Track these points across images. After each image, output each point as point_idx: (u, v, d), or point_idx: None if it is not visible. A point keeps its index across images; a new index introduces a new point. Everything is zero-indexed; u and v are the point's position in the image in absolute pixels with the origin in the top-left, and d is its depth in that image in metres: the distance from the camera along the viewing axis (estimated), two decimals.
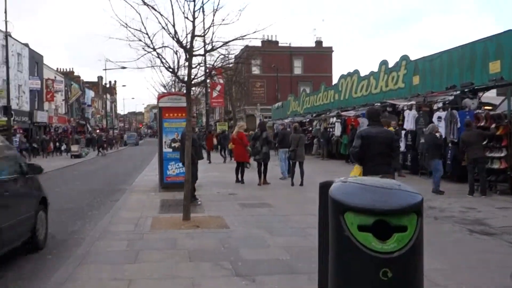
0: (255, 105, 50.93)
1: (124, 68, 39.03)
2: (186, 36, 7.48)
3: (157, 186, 12.50)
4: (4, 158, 6.10)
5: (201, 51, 7.83)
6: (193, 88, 37.38)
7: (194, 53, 7.65)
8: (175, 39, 7.41)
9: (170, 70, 7.68)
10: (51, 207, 7.49)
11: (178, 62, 7.76)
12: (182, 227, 7.51)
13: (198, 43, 7.55)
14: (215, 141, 26.41)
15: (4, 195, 5.47)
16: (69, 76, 55.58)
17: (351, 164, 20.79)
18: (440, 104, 16.31)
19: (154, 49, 7.18)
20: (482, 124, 12.25)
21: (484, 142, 12.06)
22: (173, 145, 12.18)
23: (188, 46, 7.52)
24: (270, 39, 56.71)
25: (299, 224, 8.00)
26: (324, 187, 3.21)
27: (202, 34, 7.59)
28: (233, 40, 7.74)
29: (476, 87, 13.83)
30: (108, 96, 75.51)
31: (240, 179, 14.17)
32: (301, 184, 13.29)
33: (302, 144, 13.85)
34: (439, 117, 14.78)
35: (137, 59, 7.58)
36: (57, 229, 7.87)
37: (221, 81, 28.84)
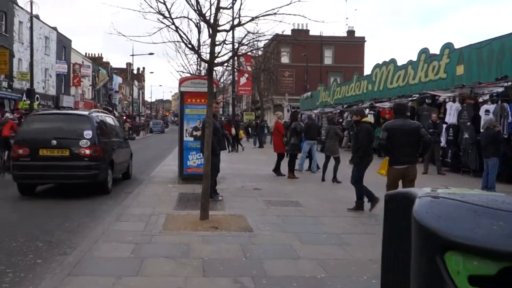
0: (283, 95, 49.73)
1: (151, 54, 38.53)
2: (210, 8, 6.47)
3: (177, 178, 11.60)
4: (119, 130, 12.87)
5: (227, 27, 6.79)
6: (221, 76, 36.60)
7: (218, 28, 6.63)
8: (197, 11, 6.40)
9: (190, 46, 6.68)
10: None
11: (199, 39, 6.70)
12: (198, 228, 6.54)
13: (224, 18, 6.51)
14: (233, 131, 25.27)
15: (122, 147, 11.92)
16: (97, 61, 55.49)
17: (382, 158, 19.42)
18: (487, 97, 14.90)
19: (171, 18, 6.18)
20: None
21: None
22: (194, 133, 11.25)
23: (212, 20, 6.51)
24: (300, 28, 55.39)
25: (332, 229, 6.95)
26: (394, 201, 2.16)
27: (229, 6, 6.55)
28: (263, 15, 6.68)
29: None
30: (136, 82, 75.50)
31: (279, 171, 13.45)
32: (334, 180, 12.21)
33: (332, 137, 12.74)
34: (487, 111, 13.40)
35: (152, 34, 6.61)
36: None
37: (249, 68, 27.78)
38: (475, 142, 13.74)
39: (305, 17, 6.67)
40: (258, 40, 6.93)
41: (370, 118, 22.44)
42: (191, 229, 6.52)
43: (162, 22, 6.37)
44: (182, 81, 11.42)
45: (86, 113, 11.19)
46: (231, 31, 6.91)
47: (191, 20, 6.63)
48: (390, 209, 2.18)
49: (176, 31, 6.51)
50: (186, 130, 11.36)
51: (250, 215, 7.74)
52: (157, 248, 5.56)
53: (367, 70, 27.45)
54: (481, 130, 13.49)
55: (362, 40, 55.67)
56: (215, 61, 6.73)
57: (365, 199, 8.37)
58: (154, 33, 6.68)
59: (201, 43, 7.87)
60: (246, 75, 26.92)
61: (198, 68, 17.68)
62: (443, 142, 15.15)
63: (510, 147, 12.27)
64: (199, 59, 9.75)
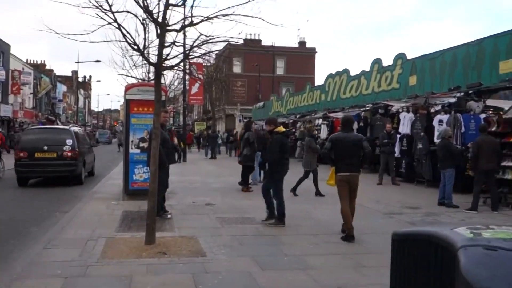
0: (235, 105, 49.19)
1: (98, 61, 36.93)
2: (158, 4, 5.74)
3: (121, 193, 10.64)
4: (87, 139, 17.68)
5: (177, 27, 6.08)
6: (171, 83, 35.60)
7: (167, 28, 5.91)
8: (142, 7, 5.66)
9: (135, 47, 5.90)
10: None
11: (145, 39, 5.94)
12: (143, 255, 5.73)
13: (174, 17, 5.80)
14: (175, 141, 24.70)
15: (90, 152, 16.07)
16: (40, 68, 52.70)
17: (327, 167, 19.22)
18: (439, 107, 14.94)
19: (111, 11, 5.38)
20: (493, 129, 10.83)
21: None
22: (141, 145, 10.37)
23: (160, 19, 5.78)
24: (252, 37, 55.20)
25: (293, 250, 6.33)
26: (406, 242, 1.55)
27: (180, 3, 5.86)
28: (217, 15, 6.02)
29: (484, 88, 12.42)
30: (82, 91, 72.63)
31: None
32: (317, 193, 11.65)
33: (309, 150, 11.96)
34: (441, 121, 13.36)
35: (90, 32, 5.77)
36: None
37: (201, 77, 27.00)
38: (428, 152, 13.66)
39: (262, 19, 6.04)
40: (213, 42, 6.19)
41: (323, 129, 22.36)
42: (134, 256, 5.69)
43: (102, 18, 5.56)
44: (128, 88, 10.53)
45: (67, 127, 16.22)
46: (182, 32, 6.18)
47: (135, 16, 5.84)
48: (408, 253, 1.56)
49: (119, 28, 5.72)
50: (132, 141, 10.47)
51: (202, 236, 7.00)
52: (92, 283, 4.71)
53: (318, 81, 27.51)
54: (436, 140, 13.47)
55: (313, 51, 56.23)
56: (164, 65, 5.99)
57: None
58: (93, 31, 5.83)
59: (147, 44, 7.18)
60: (198, 83, 26.08)
61: (147, 74, 16.84)
62: (397, 153, 15.02)
63: (463, 157, 12.21)
64: (147, 63, 8.81)
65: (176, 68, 6.30)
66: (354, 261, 5.85)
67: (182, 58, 6.27)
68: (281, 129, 8.40)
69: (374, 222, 8.60)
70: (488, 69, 12.65)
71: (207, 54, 9.43)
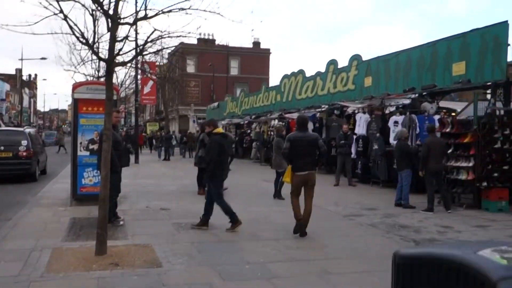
0: (189, 106, 48.44)
1: (43, 58, 35.22)
2: None
3: (69, 199, 9.98)
4: (40, 140, 18.95)
5: (130, 20, 5.65)
6: (122, 82, 34.46)
7: (120, 21, 5.47)
8: None
9: (84, 41, 5.41)
10: None
11: (94, 31, 5.45)
12: (93, 267, 5.25)
13: (127, 9, 5.36)
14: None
15: (42, 151, 17.00)
16: None
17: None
18: (393, 108, 15.15)
19: (56, 0, 4.88)
20: (447, 130, 11.01)
21: (450, 151, 10.86)
22: (91, 147, 9.77)
23: (112, 11, 5.34)
24: (206, 37, 54.58)
25: (255, 257, 6.05)
26: (415, 267, 1.29)
27: None
28: (172, 8, 5.64)
29: (438, 90, 12.65)
30: (27, 90, 69.35)
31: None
32: (276, 196, 11.35)
33: (276, 151, 11.55)
34: (396, 122, 13.51)
35: (33, 23, 5.23)
36: None
37: (154, 76, 26.26)
38: (384, 153, 13.80)
39: (221, 15, 5.71)
40: (169, 37, 5.80)
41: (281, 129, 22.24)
42: (84, 268, 5.21)
43: (46, 8, 5.04)
44: (76, 86, 9.88)
45: (21, 129, 17.20)
46: (136, 26, 5.74)
47: (84, 7, 5.35)
48: (420, 282, 1.29)
49: (65, 20, 5.22)
50: (81, 143, 9.84)
51: (158, 243, 6.59)
52: None
53: (273, 82, 27.42)
54: (391, 141, 13.60)
55: (267, 52, 56.31)
56: (116, 61, 5.54)
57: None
58: (36, 22, 5.30)
59: (97, 38, 6.65)
60: (151, 82, 25.37)
61: (96, 71, 16.03)
62: (353, 154, 15.07)
63: (417, 158, 12.38)
64: (97, 59, 8.10)
65: (129, 65, 5.86)
66: (319, 268, 5.64)
67: (135, 54, 5.82)
68: (220, 130, 8.06)
69: (335, 225, 8.47)
70: (442, 71, 12.89)
71: (162, 51, 9.00)
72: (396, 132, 11.58)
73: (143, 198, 11.10)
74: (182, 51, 47.84)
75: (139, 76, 25.69)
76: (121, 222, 7.95)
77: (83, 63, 16.78)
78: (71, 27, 5.25)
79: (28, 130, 16.92)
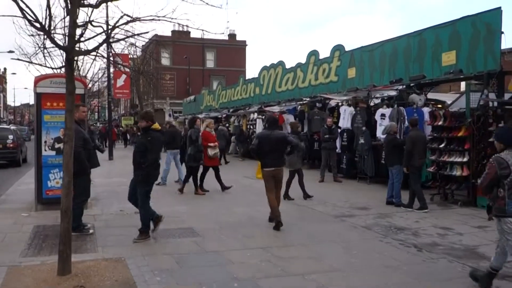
0: (165, 99, 47.23)
1: (11, 52, 33.43)
2: None
3: (34, 203, 9.04)
4: (21, 134, 24.12)
5: (93, 1, 4.80)
6: (93, 76, 32.89)
7: (81, 2, 4.63)
8: None
9: (38, 25, 4.54)
10: None
11: (50, 14, 4.59)
12: None
13: None
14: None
15: (24, 143, 22.35)
16: None
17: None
18: (379, 100, 14.58)
19: None
20: (440, 123, 10.47)
21: (442, 145, 10.32)
22: (57, 146, 8.86)
23: None
24: (181, 29, 53.30)
25: (244, 272, 5.32)
26: None
27: None
28: None
29: (427, 81, 12.09)
30: None
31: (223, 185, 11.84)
32: (285, 197, 10.29)
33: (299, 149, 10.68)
34: (383, 115, 12.94)
35: None
36: None
37: (127, 69, 25.11)
38: (371, 148, 13.25)
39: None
40: (140, 20, 4.97)
41: (258, 123, 21.48)
42: None
43: None
44: (38, 80, 8.90)
45: (8, 127, 23.03)
46: (107, 10, 4.88)
47: None
48: None
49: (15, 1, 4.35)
50: (45, 142, 8.91)
51: (132, 256, 5.80)
52: None
53: (250, 75, 26.57)
54: (378, 135, 13.03)
55: (243, 44, 55.40)
56: (77, 48, 4.69)
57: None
58: None
59: (55, 22, 5.84)
60: (125, 75, 24.22)
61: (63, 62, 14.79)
62: (338, 148, 14.47)
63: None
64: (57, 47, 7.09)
65: (94, 53, 5.01)
66: (318, 285, 4.95)
67: (102, 41, 4.98)
68: (157, 126, 7.13)
69: (327, 228, 7.80)
70: (430, 61, 12.34)
71: (134, 37, 8.06)
72: (385, 126, 10.96)
73: (117, 200, 10.23)
74: (156, 43, 46.59)
75: (111, 69, 24.53)
76: (91, 231, 7.12)
77: (49, 56, 15.57)
78: (21, 9, 4.37)
79: (13, 127, 23.85)
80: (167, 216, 8.48)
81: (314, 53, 18.43)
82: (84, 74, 25.74)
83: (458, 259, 5.95)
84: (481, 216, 8.71)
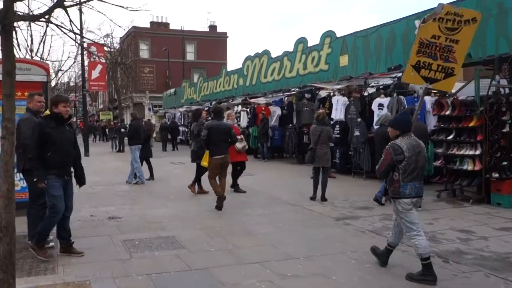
0: (144, 93, 45.69)
1: None
2: None
3: None
4: None
5: None
6: (62, 67, 31.00)
7: None
8: None
9: None
10: None
11: None
12: None
13: None
14: None
15: None
16: None
17: (261, 161, 17.56)
18: (373, 90, 13.59)
19: None
20: (447, 113, 9.50)
21: (451, 136, 9.36)
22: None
23: None
24: (160, 20, 51.69)
25: None
26: None
27: None
28: None
29: None
30: None
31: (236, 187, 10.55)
32: (323, 199, 9.17)
33: (325, 142, 9.26)
34: (381, 105, 11.95)
35: None
36: None
37: (102, 59, 23.66)
38: (366, 140, 12.28)
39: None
40: None
41: (243, 116, 20.30)
42: None
43: None
44: None
45: None
46: None
47: None
48: None
49: None
50: None
51: (100, 278, 4.67)
52: None
53: (231, 67, 25.23)
54: (375, 127, 12.08)
55: (224, 35, 54.01)
56: (15, 12, 3.50)
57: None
58: None
59: None
60: (100, 67, 22.79)
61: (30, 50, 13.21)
62: None
63: None
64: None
65: (44, 19, 3.81)
66: None
67: (54, 3, 3.78)
68: (47, 112, 5.64)
69: (330, 233, 6.75)
70: None
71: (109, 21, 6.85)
72: (380, 116, 9.93)
73: (88, 203, 9.05)
74: (134, 35, 44.97)
75: (86, 61, 23.09)
76: (51, 244, 5.92)
77: None
78: None
79: None
80: (147, 222, 7.35)
81: (302, 41, 17.34)
82: (44, 58, 23.71)
83: (495, 272, 4.96)
84: (500, 215, 7.80)
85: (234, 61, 72.15)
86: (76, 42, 14.40)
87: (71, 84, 54.12)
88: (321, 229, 7.01)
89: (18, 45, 17.77)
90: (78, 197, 9.72)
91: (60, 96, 6.01)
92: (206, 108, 25.74)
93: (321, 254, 5.65)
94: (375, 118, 12.03)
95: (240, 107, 21.29)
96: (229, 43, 67.57)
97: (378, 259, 5.22)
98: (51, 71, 23.66)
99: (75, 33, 5.09)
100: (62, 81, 25.86)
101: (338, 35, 15.31)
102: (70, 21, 4.33)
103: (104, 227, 7.09)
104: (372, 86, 13.34)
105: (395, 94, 11.44)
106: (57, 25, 3.94)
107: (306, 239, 6.38)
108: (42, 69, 7.77)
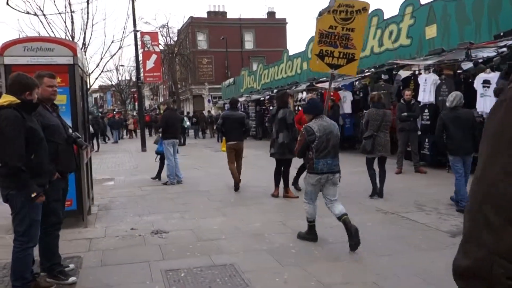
0: (203, 84, 44.70)
1: None
2: None
3: None
4: None
5: None
6: (102, 53, 30.23)
7: None
8: None
9: None
10: None
11: None
12: None
13: None
14: None
15: None
16: None
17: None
18: (470, 64, 11.13)
19: None
20: None
21: None
22: None
23: None
24: (217, 9, 50.52)
25: None
26: None
27: None
28: None
29: None
30: None
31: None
32: (381, 195, 7.84)
33: (387, 127, 7.88)
34: (486, 81, 9.55)
35: None
36: None
37: (157, 49, 22.50)
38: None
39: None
40: None
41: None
42: None
43: None
44: (6, 46, 6.13)
45: None
46: None
47: None
48: None
49: None
50: None
51: None
52: None
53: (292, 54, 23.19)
54: (479, 110, 9.76)
55: (283, 22, 51.93)
56: None
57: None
58: None
59: None
60: (155, 56, 21.62)
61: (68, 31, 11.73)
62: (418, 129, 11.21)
63: None
64: None
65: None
66: None
67: None
68: (13, 100, 3.88)
69: (449, 261, 4.68)
70: None
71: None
72: (450, 96, 7.43)
73: (133, 210, 7.53)
74: (191, 27, 44.00)
75: (140, 51, 22.00)
76: (71, 279, 4.32)
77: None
78: None
79: None
80: (199, 240, 5.61)
81: (376, 13, 15.01)
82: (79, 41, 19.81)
83: None
84: None
85: (294, 49, 69.75)
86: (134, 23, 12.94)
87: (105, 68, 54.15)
88: (435, 253, 4.97)
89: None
90: (125, 202, 8.29)
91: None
92: (268, 97, 24.08)
93: None
94: (479, 99, 9.71)
95: (304, 94, 19.31)
96: (288, 29, 65.15)
97: (309, 238, 5.50)
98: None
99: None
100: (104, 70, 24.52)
101: (422, 2, 12.87)
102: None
103: (144, 248, 5.45)
104: (471, 60, 10.90)
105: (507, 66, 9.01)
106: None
107: (419, 269, 4.40)
108: (68, 49, 6.25)
